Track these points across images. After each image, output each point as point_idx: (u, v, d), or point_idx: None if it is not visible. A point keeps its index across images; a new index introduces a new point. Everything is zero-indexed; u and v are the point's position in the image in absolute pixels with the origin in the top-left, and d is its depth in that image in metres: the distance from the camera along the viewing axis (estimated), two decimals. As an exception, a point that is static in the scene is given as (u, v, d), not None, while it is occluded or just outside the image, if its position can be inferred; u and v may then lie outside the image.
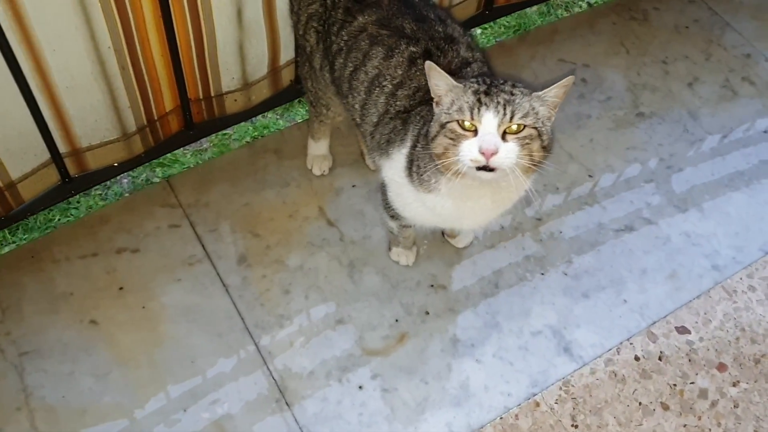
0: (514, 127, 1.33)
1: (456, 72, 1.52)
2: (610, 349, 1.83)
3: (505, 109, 1.32)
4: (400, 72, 1.56)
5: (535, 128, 1.34)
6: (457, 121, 1.35)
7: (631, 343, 1.84)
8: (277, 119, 2.24)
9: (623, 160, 2.16)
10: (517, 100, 1.33)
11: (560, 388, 1.77)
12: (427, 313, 1.86)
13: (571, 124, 2.23)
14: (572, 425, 1.72)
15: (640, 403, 1.76)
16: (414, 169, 1.50)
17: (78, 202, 2.03)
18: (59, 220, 2.00)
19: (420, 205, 1.56)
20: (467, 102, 1.34)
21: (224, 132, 2.19)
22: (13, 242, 1.95)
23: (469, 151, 1.33)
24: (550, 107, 1.37)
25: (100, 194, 2.06)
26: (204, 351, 1.76)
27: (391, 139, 1.57)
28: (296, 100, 2.25)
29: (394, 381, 1.75)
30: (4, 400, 1.67)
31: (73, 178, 1.91)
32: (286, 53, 2.04)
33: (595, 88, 2.32)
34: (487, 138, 1.32)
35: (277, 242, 1.95)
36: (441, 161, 1.38)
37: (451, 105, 1.37)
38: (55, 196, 1.92)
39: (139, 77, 1.80)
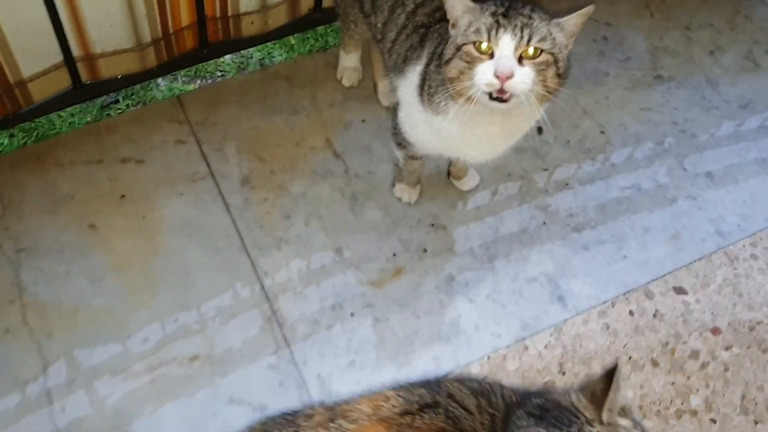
0: (531, 51, 1.31)
1: None
2: (605, 302, 1.82)
3: (522, 31, 1.30)
4: None
5: (552, 54, 1.32)
6: (474, 43, 1.33)
7: (626, 298, 1.83)
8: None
9: (637, 120, 2.14)
10: (535, 24, 1.31)
11: (550, 335, 1.76)
12: (425, 250, 1.86)
13: (588, 80, 2.21)
14: (559, 372, 1.72)
15: (630, 358, 1.75)
16: (425, 88, 1.49)
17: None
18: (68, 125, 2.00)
19: (427, 128, 1.55)
20: (485, 23, 1.32)
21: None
22: (23, 142, 1.95)
23: (483, 74, 1.31)
24: (568, 35, 1.36)
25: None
26: (200, 265, 1.76)
27: (408, 56, 1.55)
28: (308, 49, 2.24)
29: (386, 312, 1.75)
30: (-3, 293, 1.68)
31: (84, 84, 1.90)
32: (308, -21, 2.02)
33: (615, 48, 2.29)
34: (502, 61, 1.30)
35: (282, 168, 1.94)
36: (454, 85, 1.37)
37: (468, 26, 1.35)
38: (65, 100, 1.91)
39: (157, -15, 1.78)
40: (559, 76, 1.35)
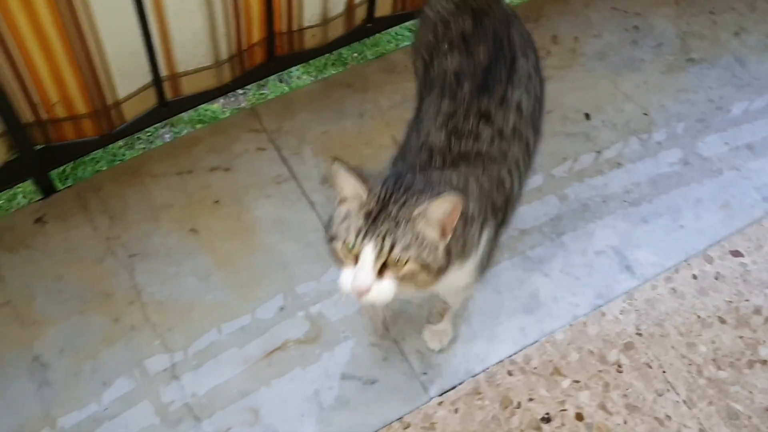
0: (396, 258, 1.21)
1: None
2: (669, 268, 1.96)
3: (384, 241, 1.20)
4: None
5: (417, 262, 1.22)
6: (343, 240, 1.24)
7: (688, 264, 1.97)
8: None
9: (676, 101, 2.29)
10: (400, 231, 1.21)
11: (624, 301, 1.90)
12: (498, 232, 2.00)
13: (626, 67, 2.36)
14: (637, 333, 1.85)
15: (698, 317, 1.89)
16: None
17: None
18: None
19: None
20: (355, 225, 1.23)
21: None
22: (121, 158, 2.09)
23: (345, 280, 1.24)
24: (438, 226, 1.23)
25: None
26: (296, 258, 1.90)
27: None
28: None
29: (470, 290, 1.88)
30: (118, 296, 1.81)
31: (168, 102, 2.05)
32: (363, -10, 2.17)
33: (646, 35, 2.45)
34: (359, 275, 1.20)
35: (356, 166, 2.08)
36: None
37: (345, 217, 1.26)
38: (151, 118, 2.05)
39: (236, 6, 1.92)
40: (438, 271, 1.25)
